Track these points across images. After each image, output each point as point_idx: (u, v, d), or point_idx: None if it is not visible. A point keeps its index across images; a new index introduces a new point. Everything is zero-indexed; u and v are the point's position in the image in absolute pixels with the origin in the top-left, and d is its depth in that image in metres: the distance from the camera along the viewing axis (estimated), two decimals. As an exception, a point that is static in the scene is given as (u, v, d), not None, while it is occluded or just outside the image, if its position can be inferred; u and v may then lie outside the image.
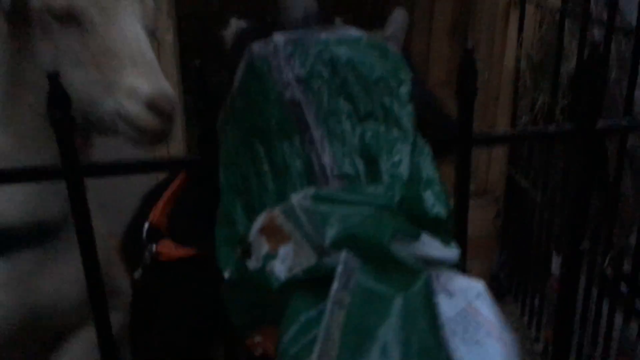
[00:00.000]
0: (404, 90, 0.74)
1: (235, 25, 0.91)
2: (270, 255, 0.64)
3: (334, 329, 0.57)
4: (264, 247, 0.64)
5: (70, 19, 0.93)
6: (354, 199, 0.64)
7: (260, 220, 0.66)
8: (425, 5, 3.92)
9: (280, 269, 0.63)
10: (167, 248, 1.08)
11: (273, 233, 0.64)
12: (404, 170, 0.70)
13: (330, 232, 0.61)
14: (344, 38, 0.75)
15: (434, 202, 0.70)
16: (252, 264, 0.65)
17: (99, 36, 0.92)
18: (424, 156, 0.74)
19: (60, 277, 1.07)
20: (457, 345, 0.60)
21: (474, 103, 0.85)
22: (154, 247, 1.08)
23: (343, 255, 0.61)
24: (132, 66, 0.90)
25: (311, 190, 0.65)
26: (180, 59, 2.58)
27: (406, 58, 0.81)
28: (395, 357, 0.56)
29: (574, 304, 1.20)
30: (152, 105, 0.89)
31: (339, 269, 0.60)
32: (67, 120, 0.73)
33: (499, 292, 2.75)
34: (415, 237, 0.63)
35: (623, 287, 1.90)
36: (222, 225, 0.73)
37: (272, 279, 0.63)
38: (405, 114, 0.73)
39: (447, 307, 0.62)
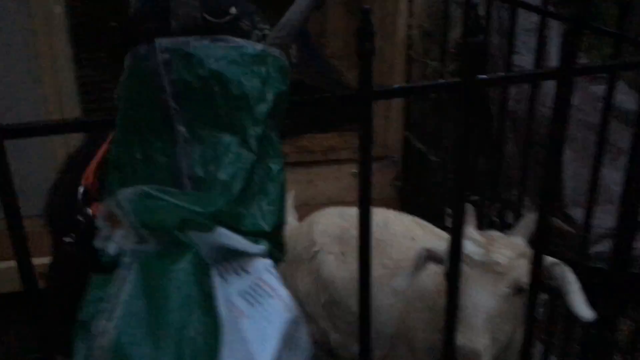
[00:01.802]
0: (263, 109, 0.82)
1: None
2: (108, 237, 0.77)
3: (117, 302, 0.72)
4: (107, 231, 0.78)
5: None
6: (173, 200, 0.76)
7: (102, 210, 0.78)
8: (319, -22, 3.99)
9: (112, 247, 0.77)
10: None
11: (112, 219, 0.77)
12: (236, 185, 0.80)
13: (137, 221, 0.74)
14: (223, 47, 0.81)
15: (259, 218, 0.81)
16: (98, 243, 0.78)
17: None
18: (271, 169, 0.84)
19: None
20: (245, 306, 0.79)
21: (372, 60, 0.93)
22: (89, 210, 1.08)
23: (130, 248, 0.75)
24: (465, 327, 1.25)
25: (143, 188, 0.76)
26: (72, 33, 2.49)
27: (305, 37, 0.88)
28: (173, 317, 0.71)
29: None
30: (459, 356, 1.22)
31: (125, 258, 0.75)
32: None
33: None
34: (207, 229, 0.75)
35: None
36: (105, 195, 0.83)
37: (105, 255, 0.77)
38: (255, 134, 0.81)
39: (242, 282, 0.80)
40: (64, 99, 2.40)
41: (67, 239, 1.12)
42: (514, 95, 2.61)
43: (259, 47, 0.84)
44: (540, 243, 1.27)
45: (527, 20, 3.10)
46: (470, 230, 1.43)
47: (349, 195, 2.87)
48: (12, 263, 0.86)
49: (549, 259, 1.39)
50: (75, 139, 2.51)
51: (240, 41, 0.83)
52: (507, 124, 2.26)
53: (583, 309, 1.31)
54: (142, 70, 0.80)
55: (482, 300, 1.30)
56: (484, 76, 1.02)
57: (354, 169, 2.83)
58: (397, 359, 1.68)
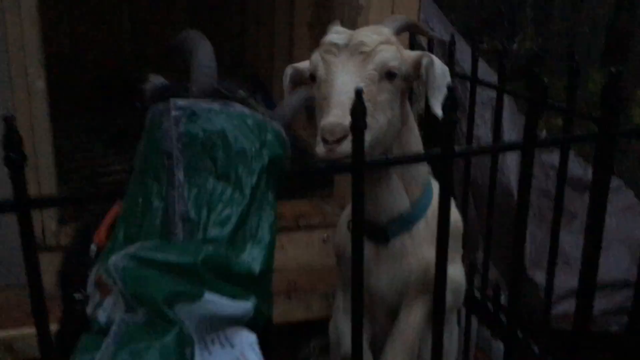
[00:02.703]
0: (258, 164, 0.90)
1: (153, 80, 1.03)
2: (99, 304, 0.79)
3: None
4: (96, 298, 0.80)
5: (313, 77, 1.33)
6: (161, 258, 0.78)
7: (92, 276, 0.82)
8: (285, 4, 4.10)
9: (102, 315, 0.78)
10: None
11: (102, 287, 0.79)
12: (228, 227, 0.85)
13: (126, 291, 0.77)
14: (229, 111, 0.91)
15: (250, 261, 0.86)
16: (88, 310, 0.80)
17: (323, 87, 1.28)
18: (264, 220, 0.90)
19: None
20: None
21: (364, 135, 1.04)
22: None
23: (119, 316, 0.77)
24: (331, 107, 1.20)
25: (132, 251, 0.79)
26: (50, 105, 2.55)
27: (287, 131, 1.00)
28: None
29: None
30: (322, 134, 1.18)
31: (114, 327, 0.76)
32: (20, 159, 0.80)
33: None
34: (196, 298, 0.79)
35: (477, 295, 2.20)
36: (109, 242, 0.87)
37: (95, 323, 0.79)
38: (250, 182, 0.88)
39: (226, 355, 0.82)
40: (40, 168, 2.43)
41: (78, 296, 1.15)
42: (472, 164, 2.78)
43: (261, 117, 0.94)
44: (512, 308, 1.37)
45: (480, 94, 3.35)
46: (334, 27, 1.40)
47: (321, 261, 2.93)
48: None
49: (416, 52, 1.39)
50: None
51: (246, 109, 0.92)
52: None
53: (436, 105, 1.30)
54: (156, 124, 0.88)
55: (348, 82, 1.23)
56: (460, 148, 1.14)
57: (324, 235, 2.90)
58: None
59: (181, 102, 0.88)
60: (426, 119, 2.45)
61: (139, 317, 0.76)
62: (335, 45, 1.30)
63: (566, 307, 3.10)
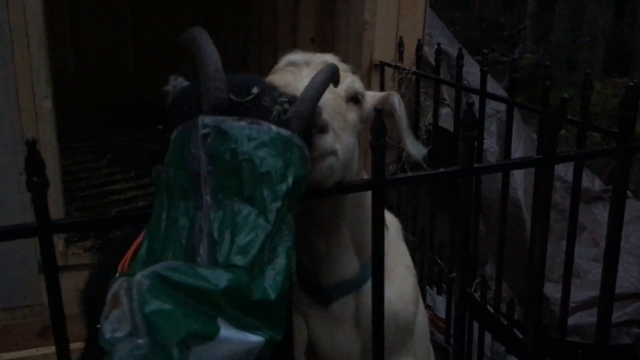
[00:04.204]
0: (283, 187, 0.89)
1: (174, 82, 1.02)
2: (106, 316, 0.77)
3: None
4: (107, 309, 0.78)
5: None
6: (185, 280, 0.77)
7: (112, 291, 0.79)
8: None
9: (107, 329, 0.76)
10: None
11: (114, 299, 0.77)
12: (251, 254, 0.83)
13: (143, 319, 0.75)
14: (256, 129, 0.90)
15: (267, 287, 0.84)
16: (101, 322, 0.78)
17: None
18: (281, 244, 0.88)
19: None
20: None
21: (385, 155, 1.04)
22: None
23: (122, 337, 0.75)
24: None
25: (157, 267, 0.77)
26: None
27: (307, 133, 0.97)
28: None
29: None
30: None
31: (117, 350, 0.74)
32: (43, 183, 0.80)
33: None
34: (211, 338, 0.78)
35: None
36: (135, 259, 0.86)
37: (99, 336, 0.78)
38: (275, 207, 0.87)
39: None
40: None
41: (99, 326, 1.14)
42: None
43: (287, 133, 0.92)
44: (532, 326, 1.35)
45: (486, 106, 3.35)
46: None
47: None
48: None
49: (381, 93, 1.36)
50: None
51: (273, 126, 0.91)
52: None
53: (415, 146, 1.27)
54: (184, 141, 0.88)
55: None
56: (479, 164, 1.14)
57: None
58: None
59: (208, 119, 0.88)
60: (434, 133, 2.45)
61: (142, 342, 0.75)
62: (294, 63, 1.20)
63: (577, 319, 3.07)
